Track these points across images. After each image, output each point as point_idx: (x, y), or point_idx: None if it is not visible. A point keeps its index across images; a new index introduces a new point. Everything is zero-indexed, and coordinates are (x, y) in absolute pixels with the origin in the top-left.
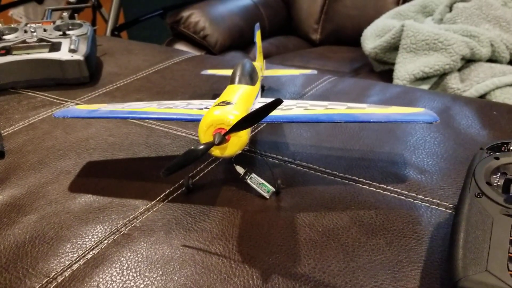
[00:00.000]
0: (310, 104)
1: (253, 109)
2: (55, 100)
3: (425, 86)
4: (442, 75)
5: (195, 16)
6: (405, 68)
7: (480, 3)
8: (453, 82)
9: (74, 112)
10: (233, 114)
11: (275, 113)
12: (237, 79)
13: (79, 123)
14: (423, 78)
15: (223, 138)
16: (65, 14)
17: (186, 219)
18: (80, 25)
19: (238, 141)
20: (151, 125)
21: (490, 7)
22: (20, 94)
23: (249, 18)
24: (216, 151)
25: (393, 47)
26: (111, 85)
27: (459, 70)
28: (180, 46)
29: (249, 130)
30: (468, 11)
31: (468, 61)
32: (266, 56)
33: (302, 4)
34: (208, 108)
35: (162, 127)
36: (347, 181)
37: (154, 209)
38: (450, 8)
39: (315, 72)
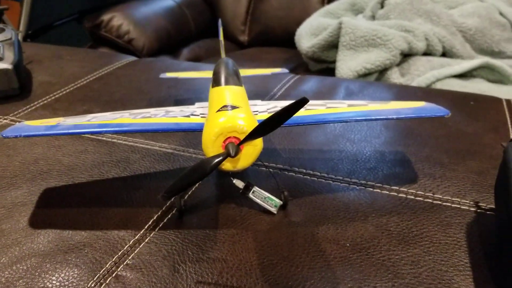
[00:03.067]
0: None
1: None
2: None
3: None
4: (382, 71)
5: (117, 19)
6: (347, 65)
7: None
8: (394, 77)
9: (27, 129)
10: (243, 119)
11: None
12: (223, 79)
13: (20, 143)
14: (365, 75)
15: (238, 148)
16: None
17: (190, 249)
18: (2, 30)
19: (254, 151)
20: (111, 139)
21: (420, 2)
22: None
23: (174, 20)
24: (227, 165)
25: (331, 45)
26: (48, 96)
27: (398, 64)
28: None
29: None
30: (401, 7)
31: (405, 55)
32: (196, 60)
33: (226, 5)
34: (194, 115)
35: (125, 140)
36: (355, 186)
37: (145, 241)
38: (382, 5)
39: (286, 70)
